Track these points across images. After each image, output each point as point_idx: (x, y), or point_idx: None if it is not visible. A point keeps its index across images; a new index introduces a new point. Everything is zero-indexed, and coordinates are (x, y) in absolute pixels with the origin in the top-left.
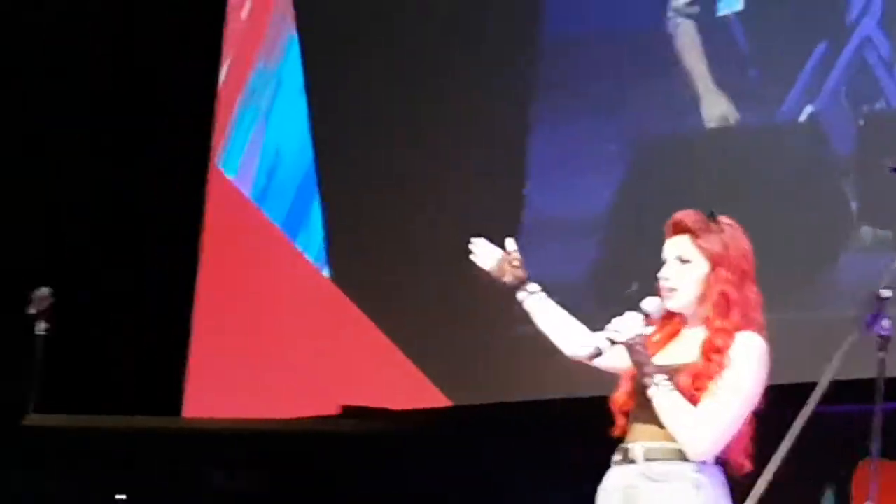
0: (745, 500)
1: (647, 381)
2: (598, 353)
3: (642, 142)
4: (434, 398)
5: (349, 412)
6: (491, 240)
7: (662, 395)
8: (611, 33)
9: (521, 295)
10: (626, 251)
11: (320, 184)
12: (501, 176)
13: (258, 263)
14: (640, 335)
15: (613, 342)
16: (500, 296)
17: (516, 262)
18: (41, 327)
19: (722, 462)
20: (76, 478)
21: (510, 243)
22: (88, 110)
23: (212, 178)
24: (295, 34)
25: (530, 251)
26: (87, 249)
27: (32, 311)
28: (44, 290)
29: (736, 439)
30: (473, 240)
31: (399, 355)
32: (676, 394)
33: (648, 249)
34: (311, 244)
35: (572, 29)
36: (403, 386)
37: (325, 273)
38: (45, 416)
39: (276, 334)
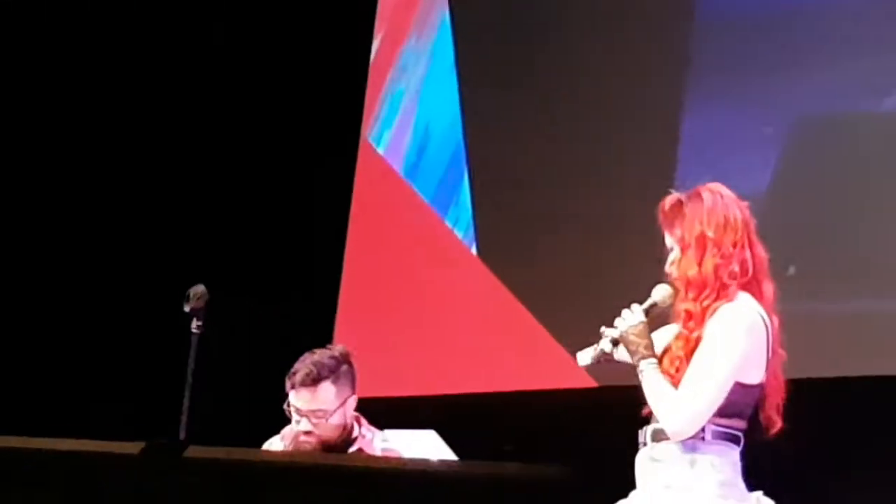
0: (774, 465)
1: (636, 367)
2: (602, 355)
3: (798, 124)
4: (579, 378)
5: (495, 392)
6: (642, 217)
7: (645, 379)
8: (767, 14)
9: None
10: (780, 235)
11: (469, 161)
12: (653, 155)
13: (408, 239)
14: (636, 325)
15: (615, 342)
16: (647, 278)
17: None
18: (195, 325)
19: (749, 424)
20: None
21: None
22: (238, 84)
23: (363, 151)
24: (447, 13)
25: None
26: (232, 228)
27: (187, 309)
28: (200, 288)
29: (769, 396)
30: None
31: (544, 334)
32: (658, 377)
33: (804, 233)
34: (460, 221)
35: (728, 9)
36: (548, 365)
37: (473, 249)
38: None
39: (423, 311)
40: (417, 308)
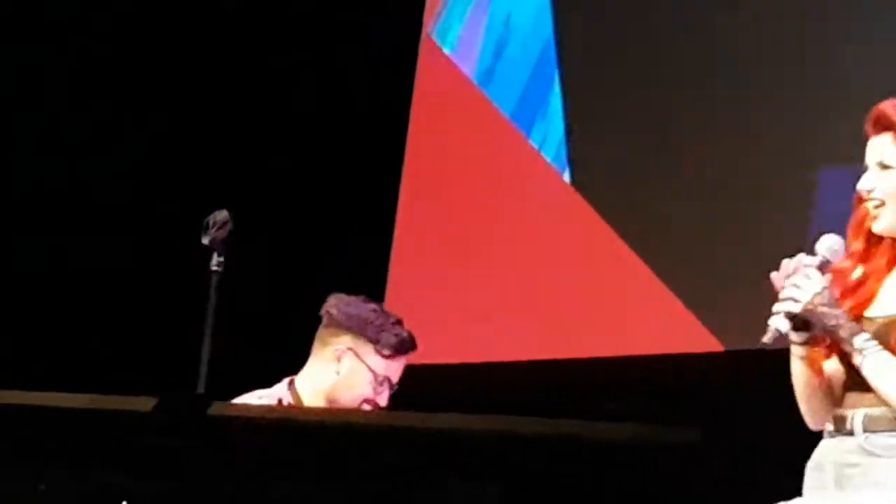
0: None
1: (846, 348)
2: (778, 335)
3: None
4: (701, 341)
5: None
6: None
7: (871, 363)
8: None
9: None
10: None
11: (561, 64)
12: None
13: (481, 163)
14: (820, 292)
15: (793, 316)
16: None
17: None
18: (216, 261)
19: None
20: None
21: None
22: None
23: (424, 52)
24: None
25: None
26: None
27: (205, 241)
28: (222, 214)
29: None
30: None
31: (655, 284)
32: (886, 354)
33: None
34: (548, 140)
35: None
36: (660, 323)
37: (566, 177)
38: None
39: (500, 256)
40: (492, 252)
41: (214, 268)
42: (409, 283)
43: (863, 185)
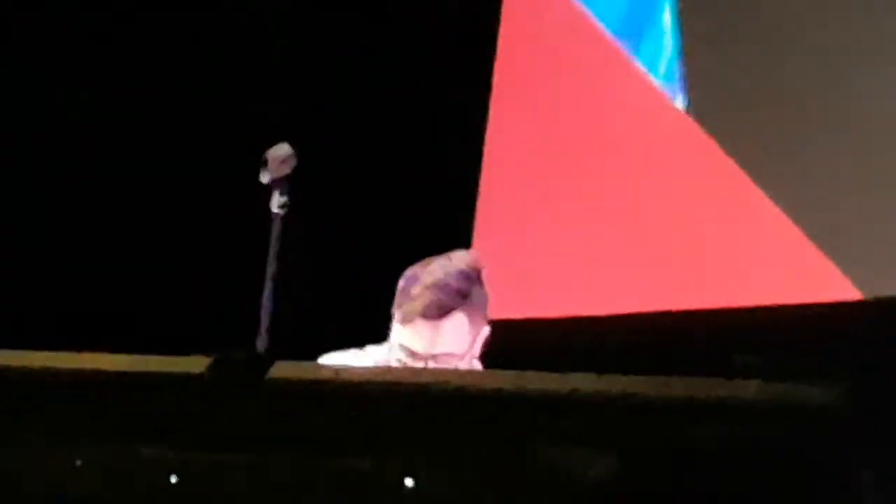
0: None
1: None
2: None
3: None
4: (839, 287)
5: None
6: None
7: None
8: None
9: None
10: None
11: None
12: None
13: (580, 85)
14: None
15: None
16: None
17: None
18: (278, 202)
19: None
20: None
21: None
22: None
23: None
24: None
25: None
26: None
27: (266, 179)
28: (283, 149)
29: None
30: None
31: (785, 225)
32: None
33: None
34: (656, 59)
35: None
36: (792, 269)
37: (679, 102)
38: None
39: (601, 192)
40: (594, 190)
41: (276, 209)
42: (499, 227)
43: None
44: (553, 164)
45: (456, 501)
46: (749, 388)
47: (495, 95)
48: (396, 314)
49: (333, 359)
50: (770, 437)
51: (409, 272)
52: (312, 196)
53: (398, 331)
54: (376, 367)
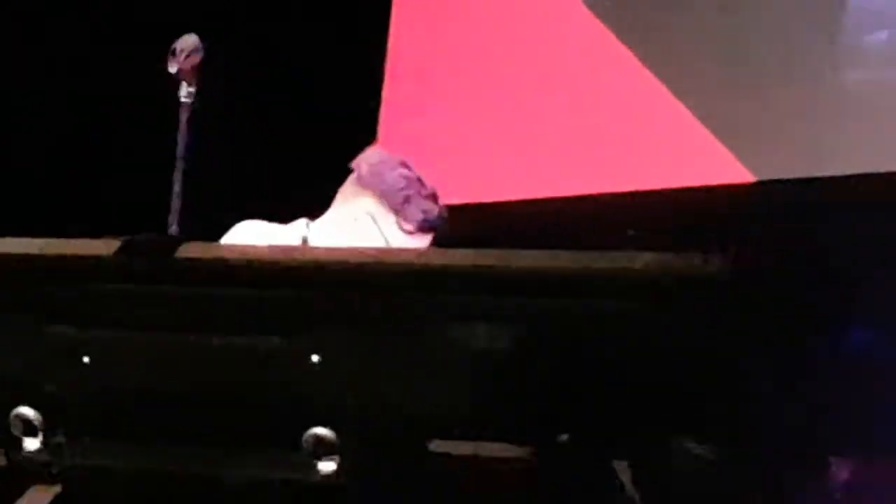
0: None
1: None
2: None
3: None
4: (731, 170)
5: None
6: None
7: None
8: None
9: None
10: None
11: None
12: None
13: None
14: None
15: None
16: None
17: None
18: (186, 92)
19: None
20: None
21: None
22: None
23: None
24: None
25: None
26: None
27: (173, 69)
28: (191, 39)
29: None
30: None
31: (679, 111)
32: None
33: None
34: None
35: None
36: (686, 153)
37: None
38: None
39: (506, 79)
40: (496, 80)
41: (184, 99)
42: (405, 115)
43: None
44: (458, 56)
45: (360, 376)
46: (639, 260)
47: None
48: (401, 210)
49: (244, 229)
50: (658, 304)
51: (404, 170)
52: (220, 86)
53: (386, 219)
54: (284, 246)
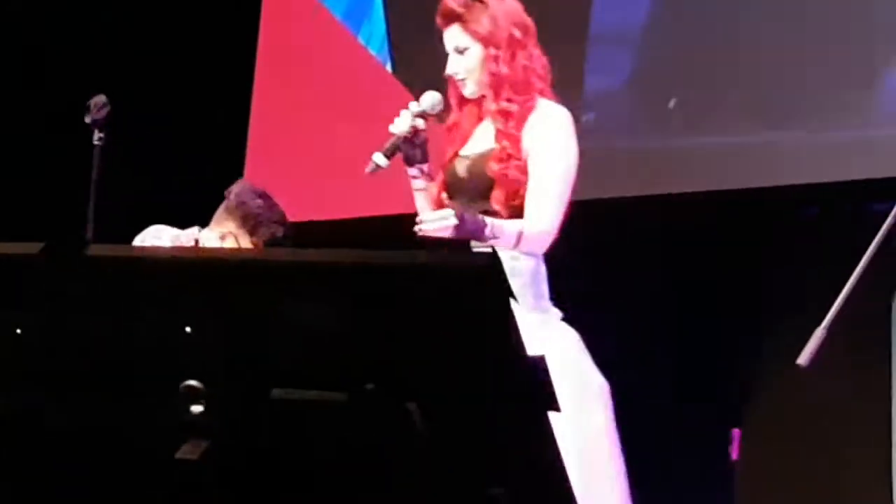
0: None
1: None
2: (377, 168)
3: None
4: None
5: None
6: None
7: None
8: None
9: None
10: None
11: None
12: None
13: (319, 58)
14: (409, 131)
15: (392, 151)
16: None
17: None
18: (97, 137)
19: None
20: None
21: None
22: None
23: None
24: None
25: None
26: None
27: (88, 120)
28: (101, 98)
29: None
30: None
31: None
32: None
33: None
34: (373, 38)
35: None
36: None
37: (388, 67)
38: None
39: (338, 132)
40: (332, 129)
41: (96, 142)
42: (265, 154)
43: (449, 69)
44: (305, 110)
45: (222, 342)
46: (421, 256)
47: (260, 62)
48: (254, 231)
49: (155, 229)
50: (441, 289)
51: (260, 201)
52: (123, 132)
53: (244, 238)
54: (171, 247)
